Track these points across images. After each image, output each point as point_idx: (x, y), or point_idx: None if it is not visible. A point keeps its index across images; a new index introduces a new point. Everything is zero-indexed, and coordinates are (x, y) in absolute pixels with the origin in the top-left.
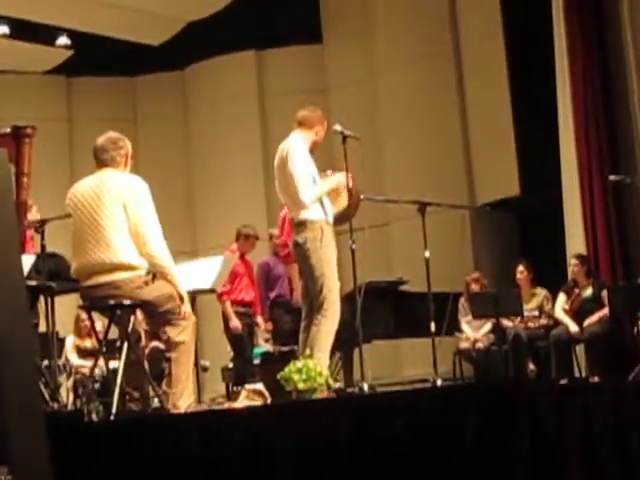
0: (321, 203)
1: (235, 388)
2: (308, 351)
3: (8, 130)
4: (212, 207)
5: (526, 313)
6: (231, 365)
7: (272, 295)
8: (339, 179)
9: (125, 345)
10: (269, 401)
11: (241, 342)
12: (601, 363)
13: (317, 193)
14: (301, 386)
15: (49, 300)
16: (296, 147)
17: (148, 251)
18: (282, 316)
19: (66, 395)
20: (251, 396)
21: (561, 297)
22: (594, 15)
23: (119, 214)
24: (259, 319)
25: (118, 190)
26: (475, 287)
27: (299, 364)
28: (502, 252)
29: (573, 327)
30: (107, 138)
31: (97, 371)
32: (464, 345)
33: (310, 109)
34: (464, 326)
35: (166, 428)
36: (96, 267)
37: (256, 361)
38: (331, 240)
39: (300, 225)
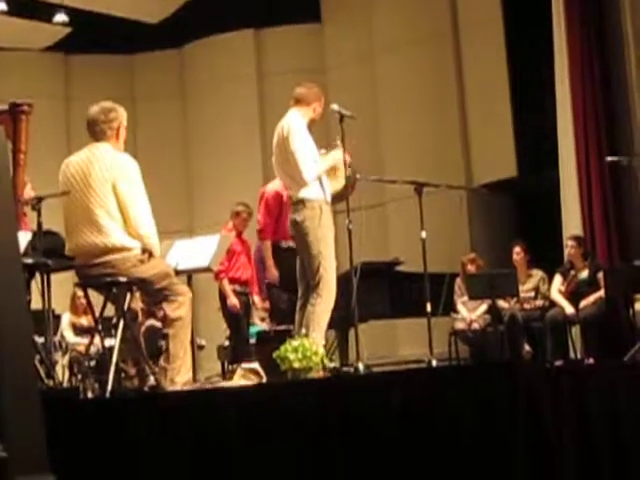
0: (320, 182)
1: (231, 367)
2: (304, 330)
3: (5, 107)
4: (209, 186)
5: (522, 294)
6: (227, 344)
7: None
8: (337, 156)
9: (121, 323)
10: (264, 380)
11: (238, 321)
12: (596, 345)
13: (319, 171)
14: (297, 365)
15: (45, 277)
16: (296, 125)
17: (135, 229)
18: (279, 295)
19: (62, 372)
20: (247, 375)
21: (557, 279)
22: None
23: (109, 196)
24: (255, 298)
25: (107, 170)
26: (471, 268)
27: (295, 343)
28: (499, 233)
29: (569, 309)
30: (99, 109)
31: (93, 349)
32: (460, 326)
33: (307, 86)
34: (460, 307)
35: (161, 406)
36: (89, 249)
37: (252, 340)
38: (329, 219)
39: (299, 204)
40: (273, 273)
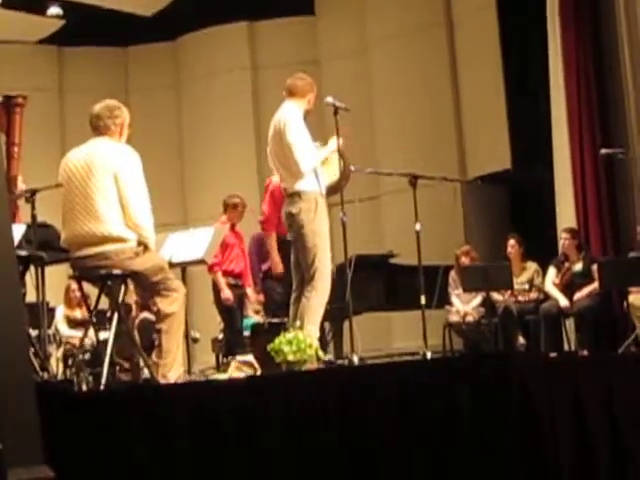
0: (315, 174)
1: (225, 359)
2: (298, 323)
3: None
4: (203, 178)
5: (516, 287)
6: (221, 336)
7: (265, 267)
8: (332, 148)
9: (115, 316)
10: (259, 372)
11: (232, 313)
12: (590, 337)
13: (315, 162)
14: (291, 358)
15: (39, 270)
16: (293, 117)
17: (134, 220)
18: (274, 288)
19: (56, 365)
20: (241, 367)
21: (551, 271)
22: None
23: (110, 185)
24: (249, 291)
25: (110, 161)
26: (465, 260)
27: (289, 336)
28: (493, 225)
29: (563, 301)
30: (104, 106)
31: (87, 341)
32: (454, 318)
33: (299, 77)
34: (454, 299)
35: (156, 399)
36: (86, 238)
37: (246, 333)
38: (324, 212)
39: (294, 196)
40: (277, 264)
